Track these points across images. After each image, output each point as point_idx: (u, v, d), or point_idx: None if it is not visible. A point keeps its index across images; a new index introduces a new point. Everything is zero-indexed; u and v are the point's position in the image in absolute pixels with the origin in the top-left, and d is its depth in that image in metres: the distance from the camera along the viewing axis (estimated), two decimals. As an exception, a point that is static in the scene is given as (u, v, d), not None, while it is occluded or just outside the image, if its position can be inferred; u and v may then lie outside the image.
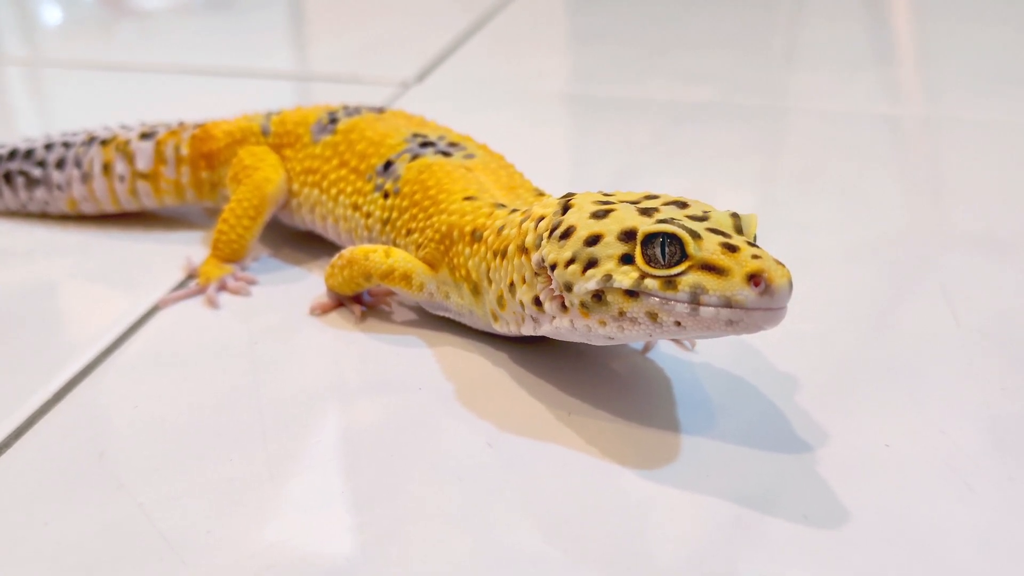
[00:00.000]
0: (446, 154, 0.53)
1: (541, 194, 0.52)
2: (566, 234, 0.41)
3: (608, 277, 0.40)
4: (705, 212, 0.42)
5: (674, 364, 0.49)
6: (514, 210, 0.48)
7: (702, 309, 0.39)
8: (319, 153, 0.57)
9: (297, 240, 0.61)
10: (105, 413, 0.46)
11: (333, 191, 0.56)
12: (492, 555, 0.37)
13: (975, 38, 1.06)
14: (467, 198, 0.49)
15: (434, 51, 1.05)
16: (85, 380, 0.49)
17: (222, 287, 0.55)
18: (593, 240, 0.41)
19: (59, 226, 0.64)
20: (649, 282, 0.39)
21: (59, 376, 0.49)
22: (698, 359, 0.49)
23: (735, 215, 0.42)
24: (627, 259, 0.40)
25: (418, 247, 0.50)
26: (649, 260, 0.39)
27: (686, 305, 0.39)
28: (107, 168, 0.61)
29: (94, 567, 0.37)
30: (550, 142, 0.82)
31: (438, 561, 0.37)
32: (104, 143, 0.61)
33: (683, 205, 0.42)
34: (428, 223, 0.50)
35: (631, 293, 0.40)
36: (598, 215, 0.42)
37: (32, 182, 0.62)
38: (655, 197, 0.44)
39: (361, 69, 1.00)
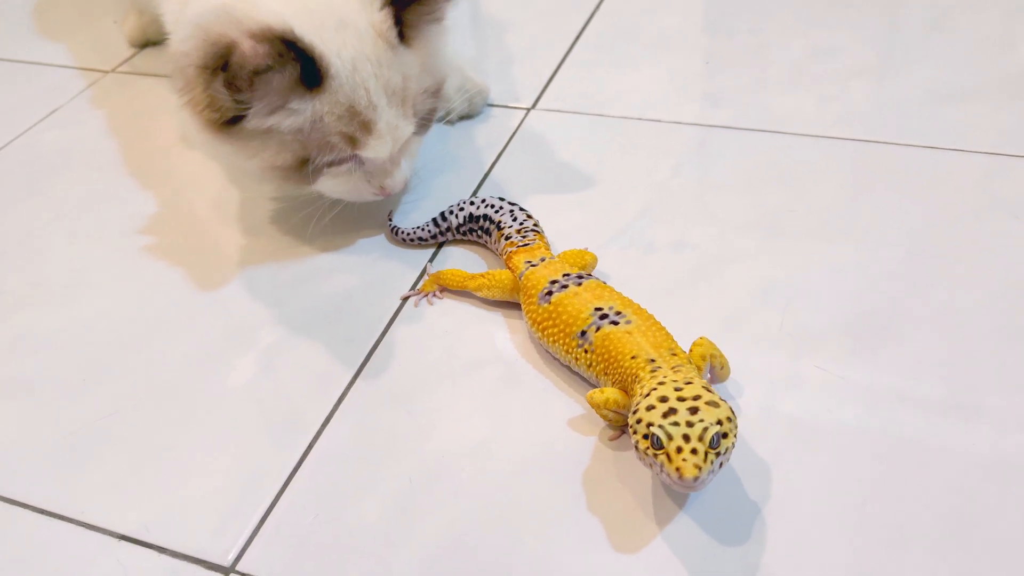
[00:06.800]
0: (615, 323, 0.83)
1: (674, 353, 0.80)
2: (635, 411, 0.73)
3: (637, 442, 0.71)
4: (699, 420, 0.69)
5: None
6: (657, 368, 0.77)
7: (661, 475, 0.69)
8: (541, 312, 0.87)
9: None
10: (395, 358, 0.90)
11: (550, 340, 0.87)
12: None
13: None
14: (632, 357, 0.80)
15: (546, 73, 1.30)
16: (384, 340, 0.93)
17: (424, 296, 0.97)
18: (638, 421, 0.72)
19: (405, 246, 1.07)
20: (648, 451, 0.70)
21: (372, 338, 0.94)
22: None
23: (705, 428, 0.68)
24: (646, 436, 0.70)
25: (614, 382, 0.81)
26: (650, 441, 0.70)
27: (658, 471, 0.69)
28: (492, 245, 1.00)
29: (382, 446, 0.81)
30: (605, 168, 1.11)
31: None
32: (500, 229, 0.98)
33: (695, 411, 0.70)
34: (615, 372, 0.81)
35: (644, 452, 0.71)
36: (649, 408, 0.71)
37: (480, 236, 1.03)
38: (690, 385, 0.72)
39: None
